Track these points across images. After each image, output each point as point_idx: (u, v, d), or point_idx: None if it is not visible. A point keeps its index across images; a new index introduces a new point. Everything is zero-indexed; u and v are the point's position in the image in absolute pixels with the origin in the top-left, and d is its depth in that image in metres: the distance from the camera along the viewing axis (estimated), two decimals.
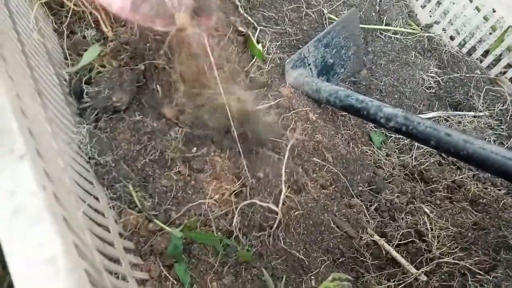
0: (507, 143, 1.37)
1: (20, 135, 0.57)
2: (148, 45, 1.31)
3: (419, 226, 1.07)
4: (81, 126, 1.10)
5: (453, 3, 1.68)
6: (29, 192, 0.52)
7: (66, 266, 0.48)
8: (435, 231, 1.04)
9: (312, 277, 1.04)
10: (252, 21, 1.46)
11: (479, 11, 1.63)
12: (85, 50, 1.34)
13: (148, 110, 1.22)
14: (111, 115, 1.17)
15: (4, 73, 0.70)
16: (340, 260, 1.06)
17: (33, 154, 0.58)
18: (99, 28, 1.38)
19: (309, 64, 1.45)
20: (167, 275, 1.04)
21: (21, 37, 1.05)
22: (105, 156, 1.08)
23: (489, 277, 0.90)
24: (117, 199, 1.07)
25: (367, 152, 1.34)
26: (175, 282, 1.04)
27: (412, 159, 1.33)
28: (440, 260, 0.98)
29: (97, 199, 1.00)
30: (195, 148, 1.23)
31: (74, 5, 1.39)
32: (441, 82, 1.55)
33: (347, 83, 1.59)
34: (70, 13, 1.39)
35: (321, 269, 1.04)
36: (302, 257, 1.05)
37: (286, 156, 1.19)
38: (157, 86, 1.27)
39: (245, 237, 1.08)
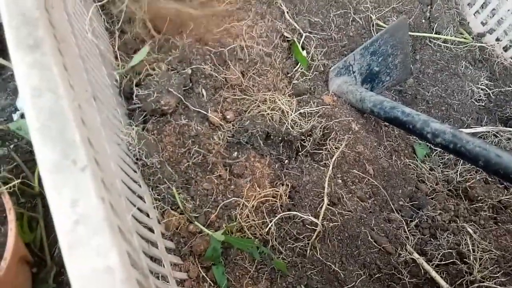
0: None
1: (82, 147, 0.60)
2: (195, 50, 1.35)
3: (461, 246, 1.05)
4: (130, 127, 1.14)
5: (510, 11, 1.60)
6: (90, 203, 0.55)
7: (122, 277, 0.51)
8: (478, 253, 1.01)
9: None
10: (298, 27, 1.45)
11: None
12: (135, 50, 1.39)
13: (193, 114, 1.25)
14: (158, 118, 1.21)
15: (67, 82, 0.75)
16: (377, 275, 1.06)
17: (93, 164, 0.62)
18: (149, 31, 1.42)
19: (353, 72, 1.44)
20: (205, 276, 1.08)
21: (78, 40, 1.10)
22: (152, 158, 1.12)
23: None
24: (161, 200, 1.11)
25: (410, 165, 1.32)
26: (212, 284, 1.07)
27: (457, 174, 1.29)
28: (481, 284, 0.95)
29: (142, 199, 1.05)
30: (236, 153, 1.25)
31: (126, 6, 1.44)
32: (491, 95, 1.49)
33: (392, 91, 1.56)
34: (122, 13, 1.44)
35: (357, 283, 1.04)
36: (337, 269, 1.05)
37: (330, 168, 1.19)
38: (203, 90, 1.30)
39: (280, 246, 1.10)
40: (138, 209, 0.98)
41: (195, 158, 1.18)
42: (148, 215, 1.03)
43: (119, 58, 1.36)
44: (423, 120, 1.13)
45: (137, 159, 1.11)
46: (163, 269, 0.95)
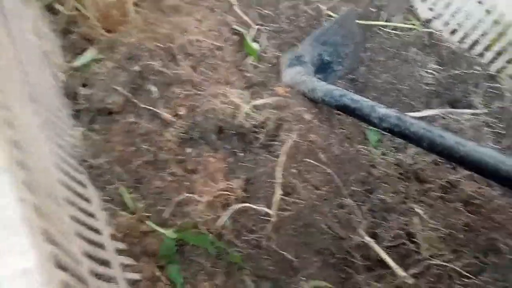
0: (505, 142, 1.35)
1: (1, 149, 0.59)
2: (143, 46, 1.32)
3: (410, 227, 1.07)
4: (75, 128, 1.12)
5: None
6: (7, 205, 0.54)
7: (42, 280, 0.50)
8: (426, 232, 1.04)
9: (302, 277, 1.05)
10: (248, 19, 1.45)
11: (481, 3, 1.60)
12: (84, 50, 1.36)
13: (143, 112, 1.23)
14: (105, 117, 1.19)
15: None
16: (331, 261, 1.07)
17: (13, 166, 0.60)
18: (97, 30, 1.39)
19: (305, 62, 1.45)
20: (160, 275, 1.06)
21: (16, 42, 1.06)
22: (99, 159, 1.10)
23: (476, 280, 0.90)
24: (110, 201, 1.09)
25: (362, 151, 1.33)
26: (168, 283, 1.06)
27: (408, 158, 1.32)
28: (429, 262, 0.98)
29: (89, 201, 1.03)
30: (189, 149, 1.24)
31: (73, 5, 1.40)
32: (440, 79, 1.52)
33: (344, 80, 1.58)
34: (68, 12, 1.41)
35: (311, 270, 1.05)
36: (292, 258, 1.06)
37: (281, 158, 1.20)
38: (153, 87, 1.28)
39: (236, 239, 1.09)
40: (85, 212, 0.96)
41: (145, 156, 1.16)
42: (95, 217, 1.01)
43: (64, 59, 1.33)
44: (370, 106, 1.15)
45: (82, 160, 1.08)
46: (112, 271, 0.93)
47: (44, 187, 0.70)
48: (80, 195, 0.97)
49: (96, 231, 0.98)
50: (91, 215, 1.00)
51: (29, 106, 0.91)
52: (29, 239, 0.52)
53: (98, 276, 0.85)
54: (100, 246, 0.96)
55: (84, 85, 1.22)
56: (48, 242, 0.57)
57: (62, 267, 0.58)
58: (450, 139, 0.96)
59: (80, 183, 1.02)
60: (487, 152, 0.89)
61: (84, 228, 0.89)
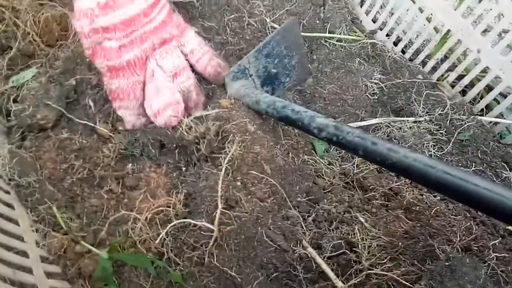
0: (446, 148, 1.38)
1: None
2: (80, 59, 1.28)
3: (350, 236, 1.06)
4: (1, 146, 1.06)
5: (396, 8, 1.69)
6: None
7: None
8: (367, 241, 1.04)
9: None
10: None
11: (422, 13, 1.65)
12: (24, 65, 1.30)
13: (79, 127, 1.19)
14: (37, 134, 1.14)
15: None
16: (274, 275, 1.05)
17: None
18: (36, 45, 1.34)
19: (251, 75, 1.44)
20: None
21: None
22: (27, 177, 1.04)
23: None
24: (40, 221, 1.03)
25: (308, 161, 1.33)
26: None
27: (353, 167, 1.32)
28: (369, 271, 0.97)
29: (15, 222, 0.97)
30: (129, 165, 1.20)
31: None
32: (384, 88, 1.55)
33: (293, 91, 1.58)
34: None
35: (254, 285, 1.03)
36: (234, 274, 1.03)
37: (223, 170, 1.17)
38: (90, 101, 1.23)
39: (177, 257, 1.05)
40: (7, 233, 0.91)
41: (80, 173, 1.12)
42: (23, 239, 0.95)
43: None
44: (309, 116, 1.15)
45: (9, 179, 1.03)
46: None
47: None
48: (4, 216, 0.91)
49: (22, 253, 0.92)
50: (17, 237, 0.94)
51: None
52: None
53: None
54: (26, 269, 0.90)
55: (14, 101, 1.17)
56: None
57: None
58: (382, 146, 0.97)
59: (5, 203, 0.96)
60: (417, 157, 0.90)
61: (5, 251, 0.83)
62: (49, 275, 0.97)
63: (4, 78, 1.26)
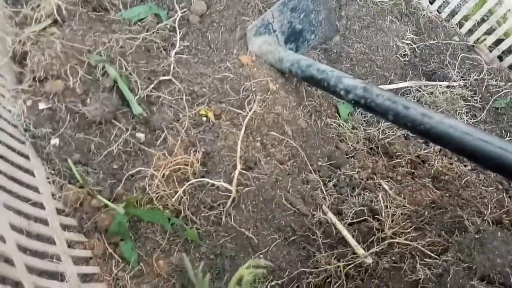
0: (480, 115, 1.30)
1: None
2: None
3: (373, 203, 1.02)
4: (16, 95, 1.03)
5: None
6: None
7: None
8: (390, 209, 0.99)
9: (261, 256, 1.00)
10: None
11: None
12: None
13: None
14: None
15: None
16: (292, 238, 1.02)
17: None
18: None
19: (274, 31, 1.36)
20: (112, 253, 1.00)
21: None
22: (43, 128, 1.02)
23: (438, 260, 0.85)
24: (56, 174, 1.02)
25: (331, 125, 1.27)
26: (120, 260, 1.00)
27: (379, 132, 1.26)
28: (392, 240, 0.93)
29: (31, 173, 0.95)
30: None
31: None
32: (416, 50, 1.46)
33: (318, 50, 1.50)
34: None
35: (271, 247, 1.00)
36: (251, 235, 1.01)
37: (242, 130, 1.13)
38: None
39: (194, 215, 1.03)
40: (21, 183, 0.89)
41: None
42: (38, 190, 0.94)
43: None
44: (336, 76, 1.08)
45: (25, 129, 1.00)
46: (54, 247, 0.87)
47: None
48: (18, 166, 0.89)
49: (38, 204, 0.90)
50: (33, 188, 0.93)
51: None
52: None
53: (35, 252, 0.79)
54: (42, 221, 0.89)
55: None
56: None
57: None
58: (415, 110, 0.90)
59: (19, 152, 0.94)
60: (453, 124, 0.83)
61: (18, 201, 0.82)
62: (65, 227, 0.97)
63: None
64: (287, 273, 0.99)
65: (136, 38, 1.25)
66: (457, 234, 0.91)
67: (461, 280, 0.81)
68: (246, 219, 1.05)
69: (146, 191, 1.05)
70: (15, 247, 0.71)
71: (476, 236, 0.87)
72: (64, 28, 1.18)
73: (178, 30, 1.34)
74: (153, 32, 1.31)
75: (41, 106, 1.04)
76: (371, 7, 1.53)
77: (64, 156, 1.03)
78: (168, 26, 1.37)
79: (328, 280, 0.95)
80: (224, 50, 1.33)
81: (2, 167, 0.82)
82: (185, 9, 1.41)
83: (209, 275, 0.91)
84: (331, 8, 1.43)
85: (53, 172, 1.01)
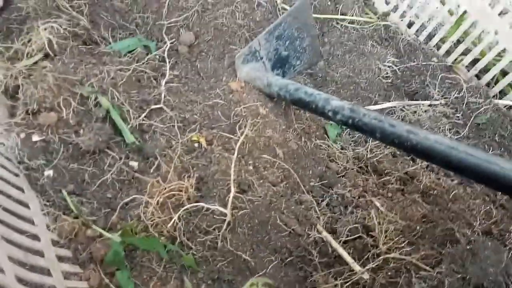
0: (462, 132, 1.35)
1: None
2: None
3: (367, 220, 1.04)
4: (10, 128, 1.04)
5: None
6: None
7: None
8: (383, 225, 1.01)
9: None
10: None
11: None
12: None
13: None
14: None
15: None
16: (288, 259, 1.03)
17: None
18: None
19: (261, 58, 1.41)
20: (109, 283, 0.99)
21: None
22: (37, 160, 1.02)
23: (433, 273, 0.87)
24: (51, 205, 1.02)
25: (321, 146, 1.31)
26: None
27: (367, 151, 1.30)
28: (387, 255, 0.95)
29: (25, 205, 0.95)
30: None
31: None
32: (398, 72, 1.52)
33: (303, 75, 1.55)
34: None
35: (268, 269, 1.01)
36: (248, 258, 1.01)
37: (235, 153, 1.15)
38: None
39: (190, 241, 1.04)
40: (16, 215, 0.89)
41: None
42: (33, 222, 0.93)
43: None
44: (324, 98, 1.12)
45: (18, 162, 1.01)
46: (50, 279, 0.86)
47: None
48: (13, 198, 0.89)
49: (34, 237, 0.90)
50: (28, 220, 0.92)
51: None
52: None
53: (32, 284, 0.78)
54: (38, 252, 0.89)
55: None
56: None
57: None
58: (401, 128, 0.94)
59: (14, 185, 0.94)
60: (438, 139, 0.87)
61: (15, 233, 0.82)
62: (60, 258, 0.96)
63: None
64: None
65: (126, 69, 1.28)
66: (449, 246, 0.93)
67: None
68: (242, 242, 1.05)
69: (141, 219, 1.05)
70: (14, 279, 0.70)
71: (468, 247, 0.89)
72: (55, 62, 1.21)
73: (167, 60, 1.38)
74: (143, 63, 1.35)
75: (35, 138, 1.05)
76: (352, 33, 1.59)
77: (58, 187, 1.03)
78: (157, 57, 1.41)
79: None
80: (213, 78, 1.37)
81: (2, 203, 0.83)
82: (173, 40, 1.45)
83: None
84: (315, 35, 1.49)
85: (47, 203, 1.02)
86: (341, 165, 1.26)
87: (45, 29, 1.23)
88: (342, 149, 1.32)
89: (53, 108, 1.08)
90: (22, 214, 0.90)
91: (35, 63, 1.22)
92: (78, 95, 1.12)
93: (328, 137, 1.37)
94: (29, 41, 1.23)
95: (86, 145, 1.05)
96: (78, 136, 1.08)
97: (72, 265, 0.99)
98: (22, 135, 1.04)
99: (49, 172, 1.03)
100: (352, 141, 1.36)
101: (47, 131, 1.06)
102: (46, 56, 1.24)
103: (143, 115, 1.21)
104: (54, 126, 1.07)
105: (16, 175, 0.98)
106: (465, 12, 1.53)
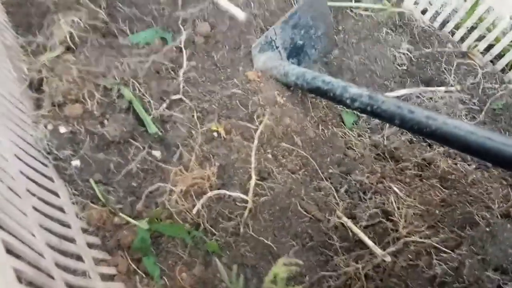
0: (478, 117, 1.36)
1: None
2: None
3: (386, 205, 1.06)
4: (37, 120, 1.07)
5: None
6: None
7: None
8: (403, 209, 1.03)
9: None
10: None
11: None
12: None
13: None
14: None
15: None
16: (309, 244, 1.05)
17: None
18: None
19: (277, 47, 1.42)
20: (136, 269, 1.03)
21: None
22: (65, 150, 1.05)
23: (453, 254, 0.89)
24: (79, 194, 1.05)
25: (337, 133, 1.32)
26: (144, 276, 1.03)
27: (383, 138, 1.31)
28: (407, 239, 0.97)
29: (55, 194, 0.98)
30: None
31: None
32: (412, 58, 1.52)
33: (318, 64, 1.56)
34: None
35: (290, 254, 1.03)
36: (270, 243, 1.04)
37: (255, 141, 1.17)
38: None
39: (213, 227, 1.07)
40: (49, 204, 0.92)
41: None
42: (63, 211, 0.97)
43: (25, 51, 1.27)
44: (342, 86, 1.13)
45: (48, 152, 1.04)
46: (83, 264, 0.90)
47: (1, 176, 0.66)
48: (45, 187, 0.92)
49: (65, 224, 0.94)
50: (59, 208, 0.96)
51: None
52: None
53: (67, 269, 0.82)
54: (70, 240, 0.92)
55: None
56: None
57: (15, 255, 0.54)
58: (420, 114, 0.95)
59: (44, 175, 0.97)
60: (457, 124, 0.89)
61: (50, 221, 0.85)
62: (89, 245, 0.99)
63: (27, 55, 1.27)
64: (307, 278, 1.02)
65: (145, 61, 1.30)
66: (468, 229, 0.95)
67: (476, 272, 0.85)
68: (264, 228, 1.08)
69: (166, 207, 1.08)
70: (53, 264, 0.74)
71: (487, 229, 0.91)
72: (77, 55, 1.24)
73: (184, 51, 1.40)
74: (161, 54, 1.37)
75: (62, 129, 1.08)
76: (367, 20, 1.60)
77: (85, 176, 1.07)
78: (174, 48, 1.43)
79: (348, 282, 0.98)
80: (230, 68, 1.39)
81: (33, 189, 0.86)
82: (189, 31, 1.47)
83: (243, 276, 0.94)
84: (329, 23, 1.50)
85: (75, 192, 1.05)
86: (358, 152, 1.28)
87: (66, 22, 1.26)
88: (358, 136, 1.34)
89: (78, 100, 1.11)
90: (54, 203, 0.94)
91: (57, 56, 1.25)
92: (101, 87, 1.15)
93: (345, 124, 1.38)
94: (51, 34, 1.25)
95: (111, 135, 1.08)
96: (103, 126, 1.11)
97: (100, 251, 1.03)
98: (50, 127, 1.07)
99: (76, 162, 1.06)
100: (368, 128, 1.38)
101: (73, 122, 1.09)
102: (68, 49, 1.27)
103: (164, 105, 1.23)
104: (80, 118, 1.10)
105: (45, 165, 1.02)
106: None
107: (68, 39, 1.23)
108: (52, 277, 0.68)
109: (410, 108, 0.98)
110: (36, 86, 1.18)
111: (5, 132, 0.85)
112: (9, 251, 0.54)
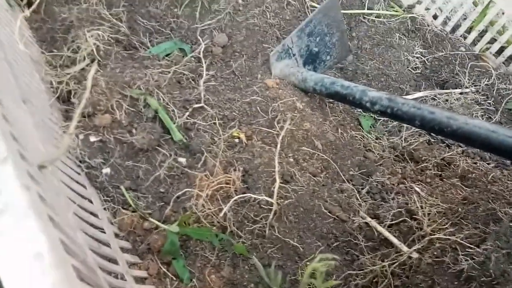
0: (494, 117, 1.38)
1: (2, 140, 0.58)
2: None
3: (409, 205, 1.08)
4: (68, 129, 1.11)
5: None
6: (13, 191, 0.53)
7: (53, 262, 0.49)
8: (426, 208, 1.05)
9: (308, 263, 1.05)
10: None
11: None
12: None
13: None
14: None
15: None
16: (335, 244, 1.08)
17: (16, 156, 0.60)
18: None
19: (294, 55, 1.46)
20: (166, 271, 1.06)
21: (5, 47, 1.06)
22: (96, 159, 1.09)
23: (479, 250, 0.91)
24: (110, 200, 1.09)
25: (356, 136, 1.35)
26: (174, 278, 1.06)
27: (401, 140, 1.34)
28: (431, 236, 0.99)
29: (89, 201, 1.02)
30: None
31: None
32: (426, 62, 1.55)
33: (333, 70, 1.60)
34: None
35: (316, 254, 1.05)
36: (296, 244, 1.07)
37: (278, 146, 1.20)
38: None
39: (239, 230, 1.09)
40: (87, 210, 0.96)
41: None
42: (97, 216, 1.01)
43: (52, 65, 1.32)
44: (361, 90, 1.17)
45: (80, 161, 1.08)
46: (118, 267, 0.93)
47: (45, 181, 0.70)
48: (80, 194, 0.96)
49: (100, 229, 0.97)
50: (93, 214, 1.00)
51: (21, 106, 0.91)
52: (38, 223, 0.51)
53: (106, 271, 0.85)
54: (106, 244, 0.96)
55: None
56: (55, 227, 0.57)
57: (70, 253, 0.58)
58: (440, 114, 0.98)
59: (78, 183, 1.01)
60: (477, 123, 0.91)
61: (87, 226, 0.89)
62: (122, 249, 1.03)
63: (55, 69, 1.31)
64: (334, 277, 1.04)
65: (167, 72, 1.34)
66: (492, 225, 0.97)
67: (502, 265, 0.86)
68: (289, 229, 1.11)
69: (193, 211, 1.12)
70: (96, 265, 0.77)
71: (511, 224, 0.93)
72: (103, 67, 1.29)
73: (203, 61, 1.44)
74: (181, 65, 1.41)
75: (92, 139, 1.12)
76: (379, 26, 1.63)
77: (116, 183, 1.10)
78: (193, 59, 1.47)
79: (374, 280, 1.00)
80: (248, 76, 1.43)
81: (71, 196, 0.90)
82: (207, 42, 1.52)
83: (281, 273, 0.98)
84: (343, 30, 1.54)
85: (107, 199, 1.09)
86: (378, 154, 1.30)
87: (92, 36, 1.31)
88: (377, 139, 1.37)
89: (107, 110, 1.16)
90: (89, 209, 0.97)
91: (83, 69, 1.30)
92: (128, 97, 1.20)
93: (363, 128, 1.41)
94: (78, 47, 1.30)
95: (140, 143, 1.12)
96: (131, 135, 1.15)
97: (132, 255, 1.06)
98: (81, 136, 1.11)
99: (107, 170, 1.10)
100: (385, 131, 1.40)
101: (103, 132, 1.13)
102: (92, 61, 1.32)
103: (187, 114, 1.27)
104: (109, 127, 1.14)
105: (78, 173, 1.06)
106: (490, 1, 1.55)
107: (95, 52, 1.28)
108: (99, 277, 0.71)
109: (430, 109, 1.01)
110: (65, 98, 1.23)
111: (42, 141, 0.89)
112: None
